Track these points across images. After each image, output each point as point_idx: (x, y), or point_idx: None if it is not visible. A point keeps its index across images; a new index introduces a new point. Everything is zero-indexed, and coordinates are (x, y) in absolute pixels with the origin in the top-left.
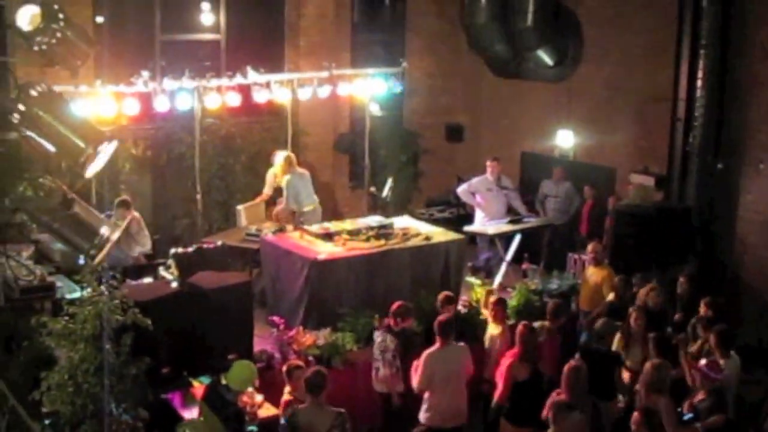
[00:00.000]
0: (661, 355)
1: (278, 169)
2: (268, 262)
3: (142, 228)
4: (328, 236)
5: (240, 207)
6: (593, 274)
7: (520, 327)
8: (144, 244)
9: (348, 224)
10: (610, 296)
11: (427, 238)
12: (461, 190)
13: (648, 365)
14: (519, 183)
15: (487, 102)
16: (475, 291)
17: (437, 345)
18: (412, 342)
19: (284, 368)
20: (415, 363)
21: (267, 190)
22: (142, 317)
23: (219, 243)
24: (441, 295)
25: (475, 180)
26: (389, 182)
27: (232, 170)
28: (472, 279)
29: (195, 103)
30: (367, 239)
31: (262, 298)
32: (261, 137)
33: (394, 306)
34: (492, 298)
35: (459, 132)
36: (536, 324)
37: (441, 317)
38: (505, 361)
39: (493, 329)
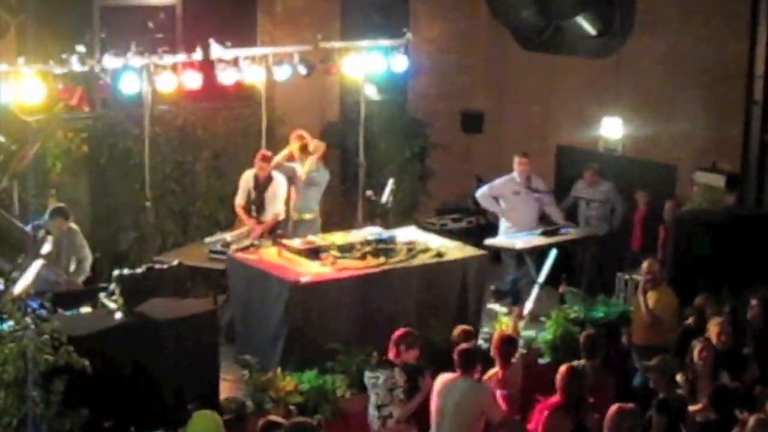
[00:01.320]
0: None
1: (298, 153)
2: (238, 287)
3: (81, 244)
4: (313, 253)
5: (228, 236)
6: (650, 298)
7: (562, 369)
8: (82, 268)
9: (338, 237)
10: (689, 320)
11: (439, 255)
12: (481, 193)
13: (752, 421)
14: (554, 184)
15: (514, 82)
16: (500, 321)
17: (456, 374)
18: (418, 381)
19: (259, 425)
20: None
21: (240, 200)
22: (78, 357)
23: (175, 262)
24: (457, 330)
25: (498, 181)
26: (390, 184)
27: (192, 170)
28: (495, 306)
29: (144, 85)
30: (363, 256)
31: (231, 332)
32: (228, 129)
33: (398, 333)
34: (496, 333)
35: (478, 121)
36: (577, 364)
37: (464, 345)
38: (541, 413)
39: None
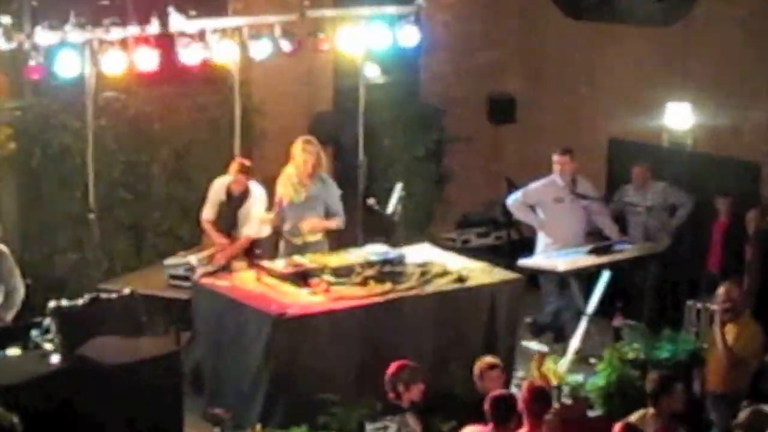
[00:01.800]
0: None
1: (301, 164)
2: (207, 321)
3: (9, 270)
4: (301, 278)
5: (193, 258)
6: (728, 332)
7: (618, 428)
8: (12, 302)
9: (333, 258)
10: None
11: (460, 280)
12: (514, 201)
13: None
14: (606, 188)
15: (554, 59)
16: (537, 362)
17: (487, 428)
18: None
19: None
20: None
21: (208, 213)
22: (5, 410)
23: (126, 291)
24: (480, 363)
25: (535, 185)
26: (398, 190)
27: (147, 174)
28: (532, 344)
29: (86, 66)
30: (364, 282)
31: (197, 379)
32: (192, 121)
33: (390, 371)
34: (526, 382)
35: (509, 108)
36: (635, 416)
37: (495, 392)
38: None
39: None
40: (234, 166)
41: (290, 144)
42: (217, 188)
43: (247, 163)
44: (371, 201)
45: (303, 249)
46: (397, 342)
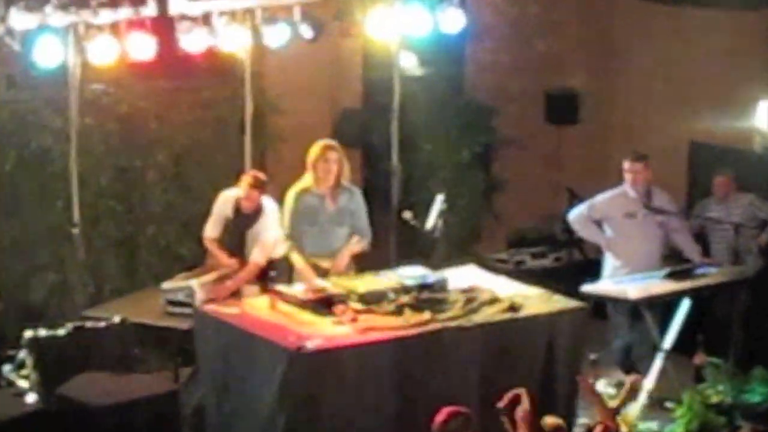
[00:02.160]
0: None
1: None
2: (211, 355)
3: None
4: (323, 305)
5: (194, 282)
6: None
7: None
8: None
9: (361, 282)
10: None
11: (513, 309)
12: (577, 216)
13: None
14: (686, 201)
15: (625, 48)
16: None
17: None
18: None
19: None
20: None
21: (212, 230)
22: None
23: (116, 319)
24: (546, 423)
25: (603, 197)
26: (439, 202)
27: (141, 181)
28: (598, 385)
29: (70, 55)
30: (398, 311)
31: (199, 423)
32: (195, 120)
33: (443, 417)
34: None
35: (571, 106)
36: None
37: None
38: None
39: None
40: (246, 180)
41: (311, 146)
42: (224, 202)
43: (262, 176)
44: (407, 215)
45: (325, 272)
46: (438, 383)
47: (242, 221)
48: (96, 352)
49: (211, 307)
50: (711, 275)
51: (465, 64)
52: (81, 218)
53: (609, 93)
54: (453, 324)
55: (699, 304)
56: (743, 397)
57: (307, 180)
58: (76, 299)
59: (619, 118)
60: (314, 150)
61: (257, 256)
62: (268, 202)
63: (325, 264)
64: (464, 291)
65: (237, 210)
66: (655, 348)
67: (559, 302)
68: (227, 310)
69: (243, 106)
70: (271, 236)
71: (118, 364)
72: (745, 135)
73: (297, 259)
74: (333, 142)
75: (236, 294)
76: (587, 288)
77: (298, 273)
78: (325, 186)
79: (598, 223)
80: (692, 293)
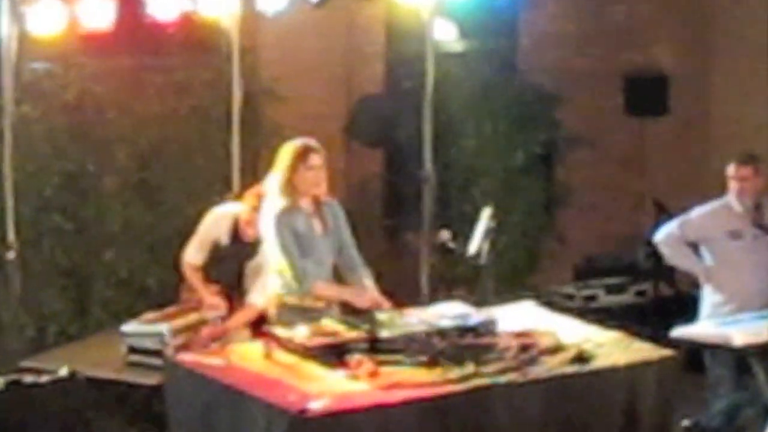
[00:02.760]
0: None
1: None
2: (188, 420)
3: None
4: (334, 353)
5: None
6: None
7: None
8: None
9: (383, 323)
10: None
11: (581, 359)
12: (667, 237)
13: None
14: None
15: (727, 19)
16: None
17: None
18: None
19: None
20: None
21: (195, 255)
22: None
23: (63, 372)
24: None
25: (700, 212)
26: (486, 218)
27: (95, 191)
28: None
29: (2, 23)
30: (432, 362)
31: None
32: (167, 109)
33: None
34: None
35: (658, 92)
36: None
37: None
38: None
39: None
40: (252, 198)
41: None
42: (217, 222)
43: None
44: (444, 235)
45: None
46: None
47: (242, 250)
48: (36, 416)
49: (187, 357)
50: None
51: (519, 36)
52: (17, 239)
53: (707, 77)
54: (503, 379)
55: None
56: None
57: (280, 195)
58: (9, 345)
59: (720, 109)
60: (290, 152)
61: (258, 298)
62: (270, 222)
63: (320, 304)
64: (518, 335)
65: (235, 235)
66: (767, 410)
67: (642, 350)
68: (209, 361)
69: (229, 92)
70: (271, 269)
71: (64, 430)
72: None
73: (328, 289)
74: (314, 142)
75: (220, 338)
76: (679, 332)
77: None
78: (307, 200)
79: (694, 247)
80: None
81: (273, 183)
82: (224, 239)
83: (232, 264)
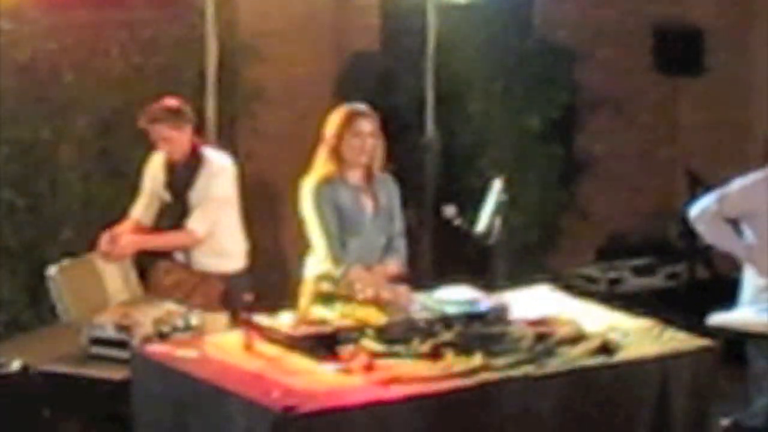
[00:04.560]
0: None
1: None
2: (158, 420)
3: None
4: (323, 344)
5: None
6: None
7: None
8: None
9: (381, 311)
10: None
11: (606, 349)
12: (703, 212)
13: None
14: None
15: None
16: None
17: None
18: None
19: None
20: None
21: (139, 212)
22: None
23: (15, 365)
24: None
25: (740, 185)
26: (496, 192)
27: (51, 162)
28: None
29: None
30: (436, 353)
31: None
32: (133, 70)
33: None
34: None
35: (692, 49)
36: None
37: None
38: None
39: None
40: (151, 114)
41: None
42: (154, 166)
43: (177, 104)
44: (449, 211)
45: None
46: None
47: (178, 180)
48: None
49: (157, 349)
50: None
51: None
52: None
53: (747, 29)
54: (516, 373)
55: None
56: None
57: (323, 165)
58: None
59: (761, 67)
60: (335, 118)
61: (196, 224)
62: (210, 154)
63: (360, 295)
64: (533, 324)
65: (170, 169)
66: None
67: (675, 340)
68: (182, 353)
69: (203, 50)
70: (217, 199)
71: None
72: None
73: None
74: (365, 107)
75: (189, 327)
76: (716, 319)
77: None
78: (357, 173)
79: (734, 223)
80: None
81: (317, 157)
82: (162, 181)
83: (177, 203)
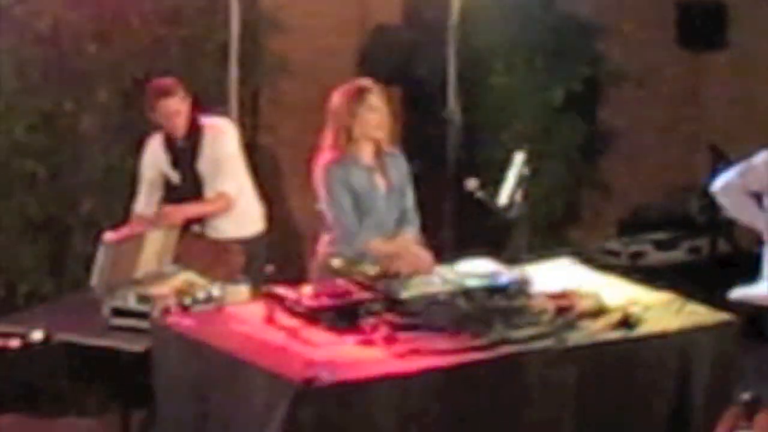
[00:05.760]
0: None
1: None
2: (178, 390)
3: None
4: (345, 316)
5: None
6: None
7: None
8: None
9: (402, 283)
10: None
11: (627, 323)
12: (726, 186)
13: None
14: None
15: None
16: None
17: None
18: None
19: None
20: None
21: (142, 206)
22: None
23: (37, 336)
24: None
25: (763, 158)
26: (518, 164)
27: (72, 133)
28: None
29: None
30: (458, 326)
31: None
32: (154, 41)
33: None
34: None
35: (715, 23)
36: None
37: None
38: None
39: None
40: (154, 91)
41: (328, 83)
42: (153, 152)
43: (172, 83)
44: (471, 183)
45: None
46: (517, 426)
47: (184, 154)
48: (6, 385)
49: (175, 320)
50: None
51: None
52: None
53: None
54: (537, 346)
55: None
56: None
57: (334, 145)
58: None
59: None
60: (347, 95)
61: (226, 185)
62: (207, 119)
63: (370, 272)
64: (554, 297)
65: (171, 146)
66: None
67: (697, 314)
68: (202, 325)
69: (226, 20)
70: (232, 156)
71: (40, 404)
72: None
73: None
74: (372, 82)
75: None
76: (739, 294)
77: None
78: (368, 152)
79: (757, 197)
80: None
81: (325, 136)
82: (165, 161)
83: (187, 176)
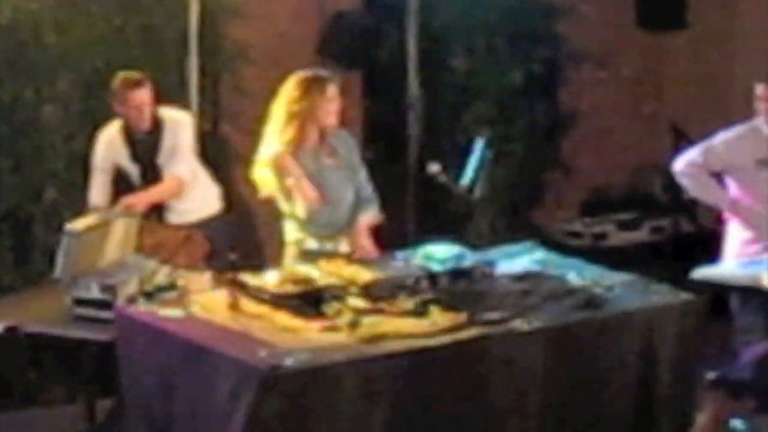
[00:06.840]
0: None
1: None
2: (144, 379)
3: None
4: (308, 303)
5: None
6: None
7: None
8: None
9: (365, 268)
10: None
11: (591, 304)
12: (687, 165)
13: None
14: None
15: None
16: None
17: None
18: None
19: None
20: None
21: (98, 198)
22: None
23: (0, 328)
24: None
25: (724, 138)
26: (479, 148)
27: (33, 122)
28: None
29: None
30: (421, 310)
31: None
32: (114, 30)
33: None
34: None
35: (675, 3)
36: None
37: None
38: None
39: None
40: (119, 83)
41: (289, 70)
42: (109, 144)
43: (137, 77)
44: (433, 168)
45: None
46: (478, 413)
47: (144, 147)
48: None
49: (140, 310)
50: None
51: None
52: None
53: None
54: (502, 329)
55: None
56: None
57: (280, 135)
58: None
59: (745, 21)
60: (304, 85)
61: (179, 169)
62: (172, 115)
63: (343, 247)
64: (518, 279)
65: (129, 139)
66: None
67: (661, 294)
68: (167, 313)
69: (185, 8)
70: (188, 146)
71: (6, 395)
72: None
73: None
74: (326, 71)
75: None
76: (701, 273)
77: None
78: (313, 136)
79: (718, 177)
80: None
81: (272, 123)
82: (124, 154)
83: (146, 169)
